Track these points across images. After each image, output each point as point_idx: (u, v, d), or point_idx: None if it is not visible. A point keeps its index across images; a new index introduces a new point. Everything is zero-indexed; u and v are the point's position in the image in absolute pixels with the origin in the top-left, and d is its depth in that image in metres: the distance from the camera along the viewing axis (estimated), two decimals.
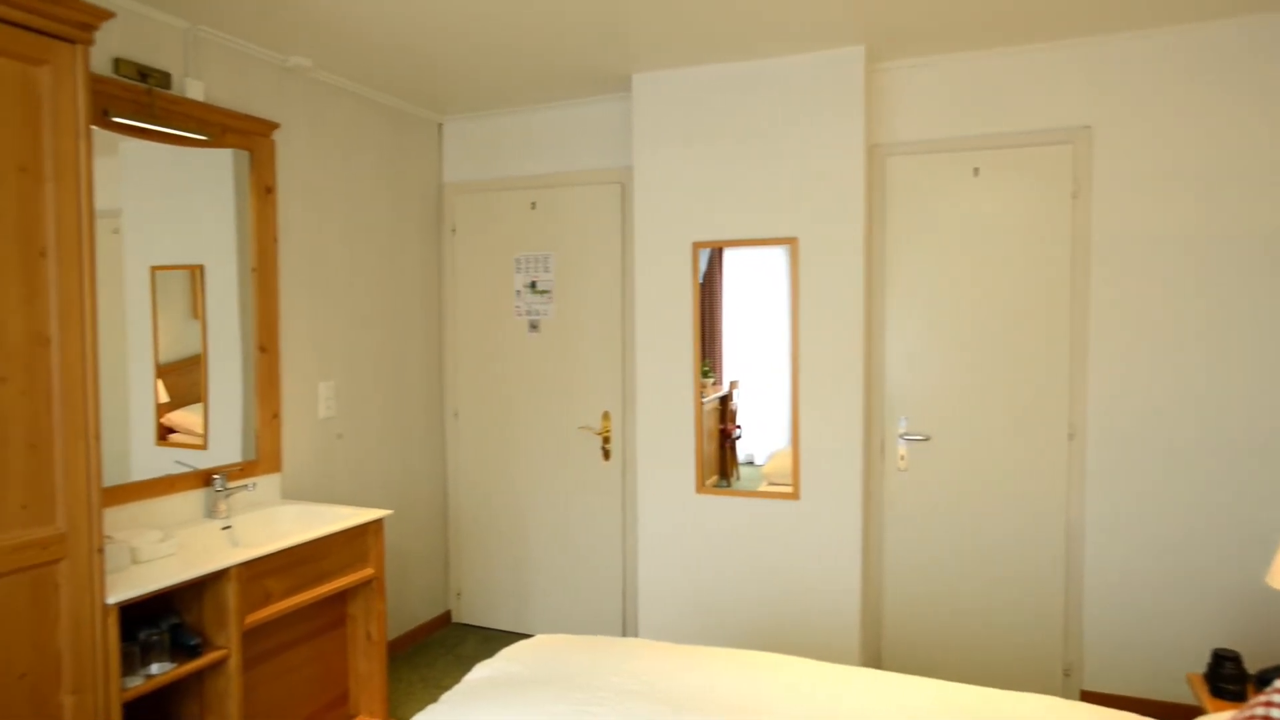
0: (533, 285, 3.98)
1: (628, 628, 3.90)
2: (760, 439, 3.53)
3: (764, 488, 3.42)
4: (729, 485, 3.51)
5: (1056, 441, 3.17)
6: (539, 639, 2.20)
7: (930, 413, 3.32)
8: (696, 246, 3.39)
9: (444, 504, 4.24)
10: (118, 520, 2.55)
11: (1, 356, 1.84)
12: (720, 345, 3.50)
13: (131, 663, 2.22)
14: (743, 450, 3.59)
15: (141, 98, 2.65)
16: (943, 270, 3.28)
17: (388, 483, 3.83)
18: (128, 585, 2.14)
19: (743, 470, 3.58)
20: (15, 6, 1.83)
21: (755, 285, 3.41)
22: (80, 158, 1.98)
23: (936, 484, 3.32)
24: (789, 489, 3.32)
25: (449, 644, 4.01)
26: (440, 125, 4.16)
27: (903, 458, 3.36)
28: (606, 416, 3.86)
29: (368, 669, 3.06)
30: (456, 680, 3.57)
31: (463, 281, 4.15)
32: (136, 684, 2.18)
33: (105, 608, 2.05)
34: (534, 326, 3.99)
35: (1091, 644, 3.15)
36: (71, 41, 1.96)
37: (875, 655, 3.42)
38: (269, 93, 3.17)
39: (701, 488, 3.44)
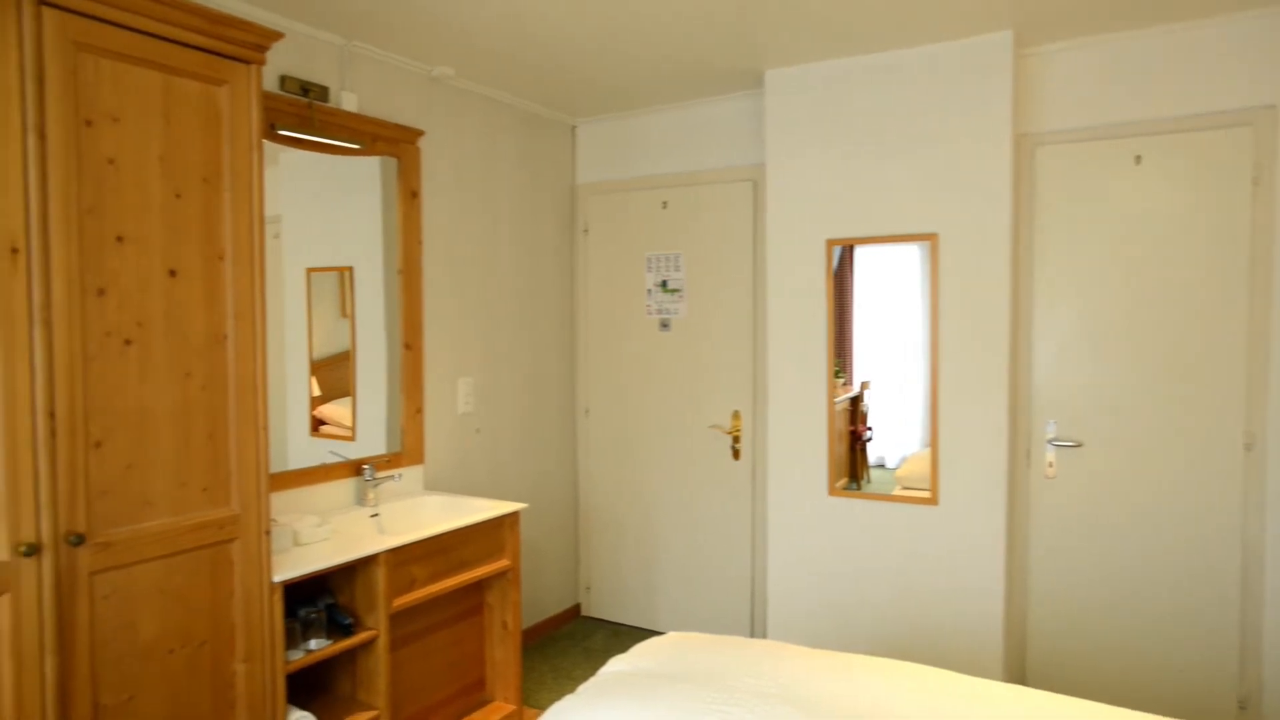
0: (664, 284, 4.00)
1: (755, 628, 3.87)
2: (891, 441, 3.42)
3: (898, 492, 3.31)
4: (859, 488, 3.41)
5: (1231, 452, 2.91)
6: (672, 636, 2.21)
7: (1082, 418, 3.12)
8: (830, 244, 3.32)
9: (575, 499, 4.33)
10: (279, 505, 2.74)
11: (188, 353, 2.01)
12: (851, 345, 3.41)
13: (293, 637, 2.38)
14: (873, 452, 3.49)
15: (303, 111, 2.83)
16: (1098, 265, 3.07)
17: (521, 477, 3.94)
18: (291, 565, 2.29)
19: (873, 473, 3.48)
20: (200, 32, 1.99)
21: (887, 283, 3.31)
22: (253, 169, 2.14)
23: (1089, 494, 3.12)
24: (926, 494, 3.20)
25: (578, 637, 4.09)
26: (574, 127, 4.25)
27: (1051, 465, 3.17)
28: (737, 416, 3.84)
29: (503, 656, 3.16)
30: (586, 672, 3.64)
31: (594, 281, 4.23)
32: (298, 657, 2.34)
33: (272, 585, 2.21)
34: (665, 325, 4.01)
35: (1273, 676, 2.87)
36: (247, 62, 2.11)
37: (1019, 671, 3.24)
38: (415, 102, 3.33)
39: (834, 490, 3.36)
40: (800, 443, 3.41)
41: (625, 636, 4.07)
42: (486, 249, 3.71)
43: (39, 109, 1.73)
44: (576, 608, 4.34)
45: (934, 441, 3.18)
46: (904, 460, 3.39)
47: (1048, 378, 3.17)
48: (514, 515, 3.05)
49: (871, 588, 3.30)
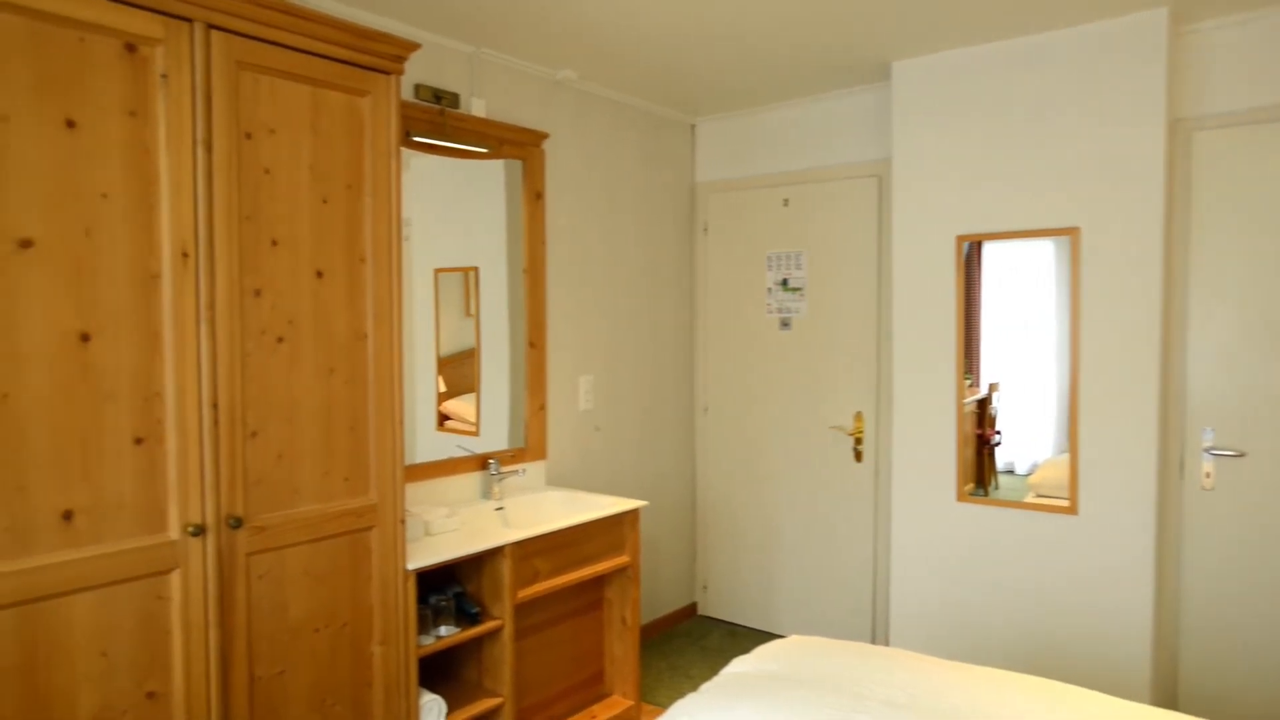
0: (784, 283, 3.95)
1: (877, 635, 3.77)
2: (1021, 446, 3.25)
3: (1032, 499, 3.14)
4: (986, 494, 3.26)
5: None
6: (795, 639, 2.17)
7: (1245, 425, 2.88)
8: (960, 240, 3.19)
9: (692, 497, 4.33)
10: (409, 496, 2.86)
11: (332, 350, 2.13)
12: (978, 345, 3.26)
13: (424, 623, 2.49)
14: (1001, 457, 3.32)
15: (435, 118, 2.95)
16: (1264, 258, 2.82)
17: (640, 474, 3.98)
18: (423, 554, 2.39)
19: (1001, 479, 3.31)
20: (346, 46, 2.11)
21: (1017, 280, 3.14)
22: (391, 175, 2.24)
23: (1254, 508, 2.87)
24: (1064, 502, 3.03)
25: (695, 635, 4.09)
26: (693, 126, 4.25)
27: (1208, 475, 2.94)
28: (859, 417, 3.75)
29: (621, 652, 3.19)
30: (703, 671, 3.64)
31: (714, 279, 4.21)
32: (428, 643, 2.44)
33: (406, 573, 2.31)
34: (785, 324, 3.96)
35: None
36: (387, 73, 2.22)
37: (1169, 695, 3.02)
38: (539, 105, 3.41)
39: (962, 495, 3.23)
40: (927, 446, 3.29)
41: (742, 637, 4.05)
42: (608, 248, 3.76)
43: (206, 124, 1.87)
44: (693, 606, 4.35)
45: (1073, 448, 3.00)
46: (1038, 466, 3.22)
47: (1204, 381, 2.94)
48: (634, 512, 3.08)
49: (1003, 599, 3.15)
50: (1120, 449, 2.91)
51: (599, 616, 3.22)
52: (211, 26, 1.87)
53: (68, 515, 1.70)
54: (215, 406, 1.90)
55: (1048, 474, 3.14)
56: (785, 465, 3.99)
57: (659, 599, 4.13)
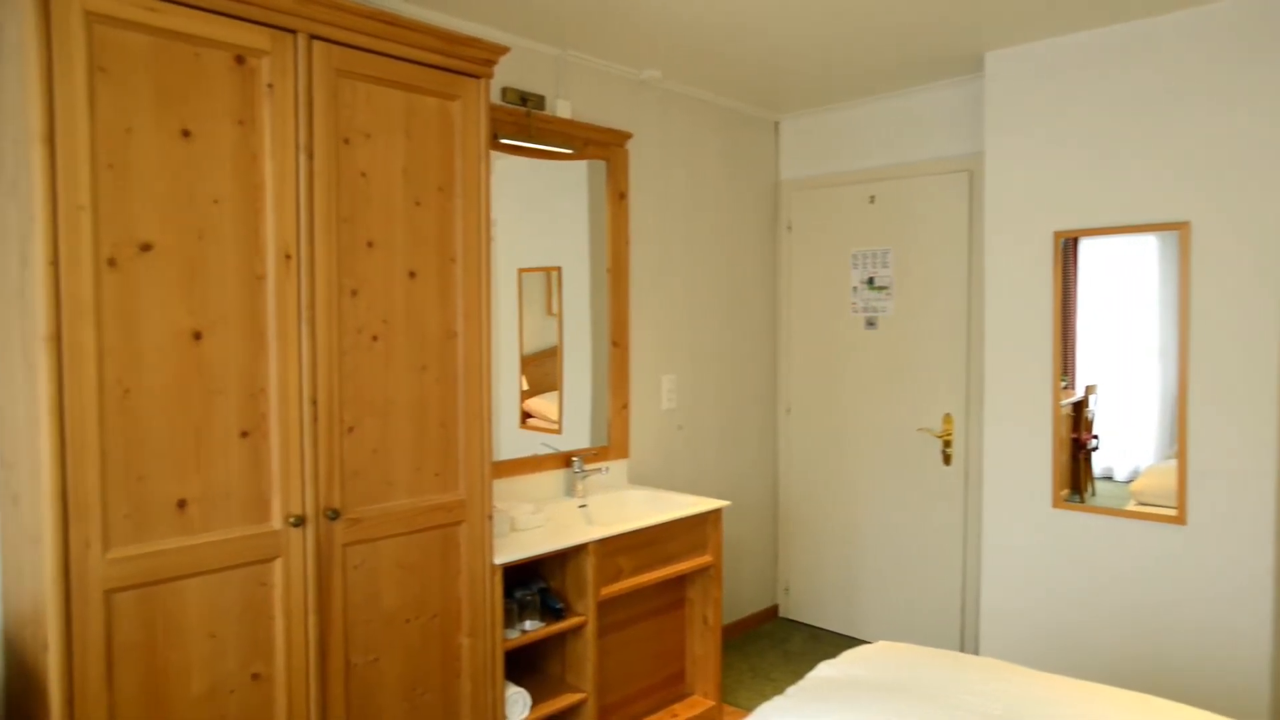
0: (870, 281, 3.87)
1: (966, 643, 3.65)
2: (1120, 451, 3.10)
3: (1134, 507, 3.00)
4: (1082, 500, 3.12)
5: None
6: (883, 645, 2.13)
7: None
8: (1058, 236, 3.06)
9: (774, 498, 4.29)
10: (495, 492, 2.91)
11: (424, 348, 2.19)
12: (1074, 345, 3.12)
13: (510, 617, 2.53)
14: (1098, 462, 3.18)
15: (521, 120, 3.00)
16: None
17: (722, 474, 3.96)
18: (509, 550, 2.44)
19: (1098, 485, 3.17)
20: (438, 52, 2.16)
21: (1116, 277, 3.00)
22: (481, 177, 2.29)
23: None
24: (1171, 512, 2.88)
25: (776, 637, 4.05)
26: (777, 124, 4.21)
27: None
28: (948, 419, 3.64)
29: (703, 652, 3.19)
30: (784, 673, 3.60)
31: (798, 278, 4.16)
32: (514, 636, 2.48)
33: (493, 567, 2.36)
34: (871, 323, 3.88)
35: None
36: (476, 77, 2.27)
37: None
38: (623, 105, 3.43)
39: (1058, 502, 3.10)
40: (1020, 449, 3.18)
41: (825, 641, 3.99)
42: (690, 248, 3.76)
43: (308, 130, 1.94)
44: (774, 608, 4.30)
45: (1181, 454, 2.85)
46: (1140, 472, 3.06)
47: None
48: (717, 512, 3.06)
49: (1101, 611, 3.01)
50: (1235, 456, 2.75)
51: (680, 616, 3.22)
52: (314, 37, 1.94)
53: (181, 504, 1.79)
54: (314, 402, 1.97)
55: (1152, 481, 2.99)
56: (870, 467, 3.91)
57: (740, 600, 4.10)
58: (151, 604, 1.76)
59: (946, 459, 3.65)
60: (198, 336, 1.80)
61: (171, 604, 1.78)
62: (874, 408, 3.89)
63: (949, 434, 3.64)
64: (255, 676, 1.91)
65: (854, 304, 3.94)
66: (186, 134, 1.77)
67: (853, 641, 3.98)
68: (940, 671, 1.90)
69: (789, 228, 4.18)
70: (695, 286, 3.79)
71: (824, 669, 2.01)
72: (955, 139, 3.59)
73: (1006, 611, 3.24)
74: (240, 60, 1.84)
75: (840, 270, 3.98)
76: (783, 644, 3.97)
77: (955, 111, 3.58)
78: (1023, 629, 3.20)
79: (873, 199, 3.85)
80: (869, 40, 3.07)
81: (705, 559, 3.04)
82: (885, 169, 3.81)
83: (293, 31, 1.91)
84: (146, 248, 1.73)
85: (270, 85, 1.88)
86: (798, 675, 3.58)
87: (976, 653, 3.51)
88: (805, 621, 4.22)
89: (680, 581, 3.19)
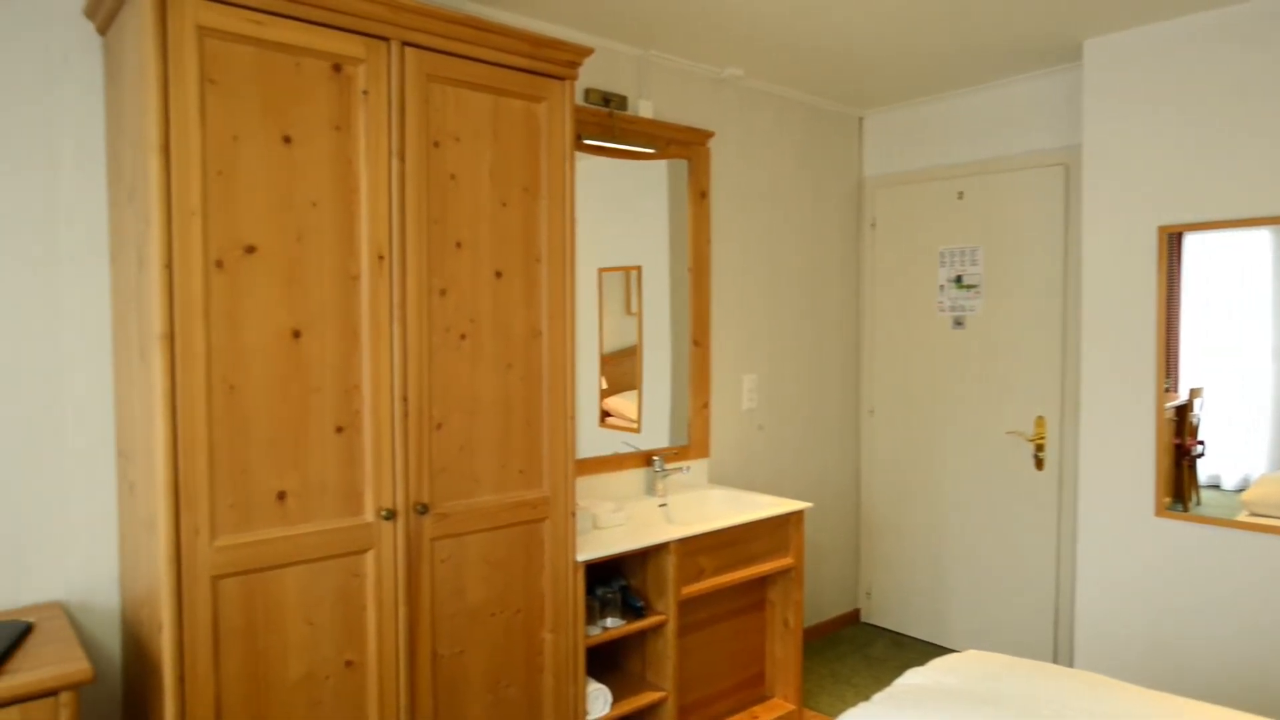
0: (958, 280, 3.76)
1: (1059, 655, 3.51)
2: (1228, 458, 2.92)
3: (1244, 518, 2.83)
4: (1185, 509, 2.96)
5: None
6: (974, 654, 2.07)
7: None
8: (1163, 231, 2.91)
9: (856, 501, 4.21)
10: (577, 490, 2.95)
11: (509, 347, 2.23)
12: (1177, 346, 2.96)
13: (591, 614, 2.55)
14: (1204, 470, 3.01)
15: (604, 120, 3.02)
16: None
17: (802, 475, 3.91)
18: (592, 547, 2.46)
19: (1204, 494, 3.00)
20: (525, 55, 2.20)
21: (1225, 275, 2.83)
22: (566, 178, 2.31)
23: None
24: None
25: (858, 642, 3.98)
26: (861, 119, 4.13)
27: None
28: (1040, 422, 3.51)
29: (783, 654, 3.15)
30: (866, 679, 3.53)
31: (882, 277, 4.08)
32: (595, 633, 2.50)
33: (576, 564, 2.38)
34: (958, 323, 3.77)
35: None
36: (562, 79, 2.29)
37: None
38: (704, 104, 3.41)
39: (1160, 510, 2.95)
40: (1120, 455, 3.03)
41: (908, 648, 3.89)
42: (771, 246, 3.72)
43: (400, 135, 2.00)
44: (855, 612, 4.23)
45: None
46: (1252, 481, 2.89)
47: None
48: (799, 514, 3.03)
49: (1207, 626, 2.86)
50: None
51: (761, 617, 3.19)
52: (406, 44, 2.00)
53: (281, 496, 1.87)
54: (405, 399, 2.03)
55: (1266, 490, 2.82)
56: (957, 471, 3.80)
57: (820, 603, 4.04)
58: (253, 590, 1.83)
59: (1038, 463, 3.52)
60: (297, 335, 1.87)
61: (272, 591, 1.86)
62: (961, 410, 3.77)
63: (1041, 437, 3.50)
64: (349, 664, 1.98)
65: (941, 303, 3.83)
66: (287, 140, 1.84)
67: (937, 649, 3.88)
68: (1035, 684, 1.83)
69: (873, 225, 4.10)
70: (776, 285, 3.75)
71: (912, 676, 1.96)
72: (1050, 131, 3.45)
73: (1103, 622, 3.10)
74: (337, 68, 1.91)
75: (927, 268, 3.88)
76: (864, 649, 3.90)
77: (1050, 103, 3.44)
78: (1121, 642, 3.06)
79: (961, 195, 3.74)
80: (959, 31, 2.98)
81: (787, 561, 3.01)
82: (975, 164, 3.70)
83: (386, 39, 1.97)
84: (250, 250, 1.80)
85: (365, 92, 1.94)
86: (881, 682, 3.51)
87: (1071, 663, 3.37)
88: (887, 627, 4.13)
89: (761, 583, 3.16)
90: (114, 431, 2.10)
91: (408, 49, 2.00)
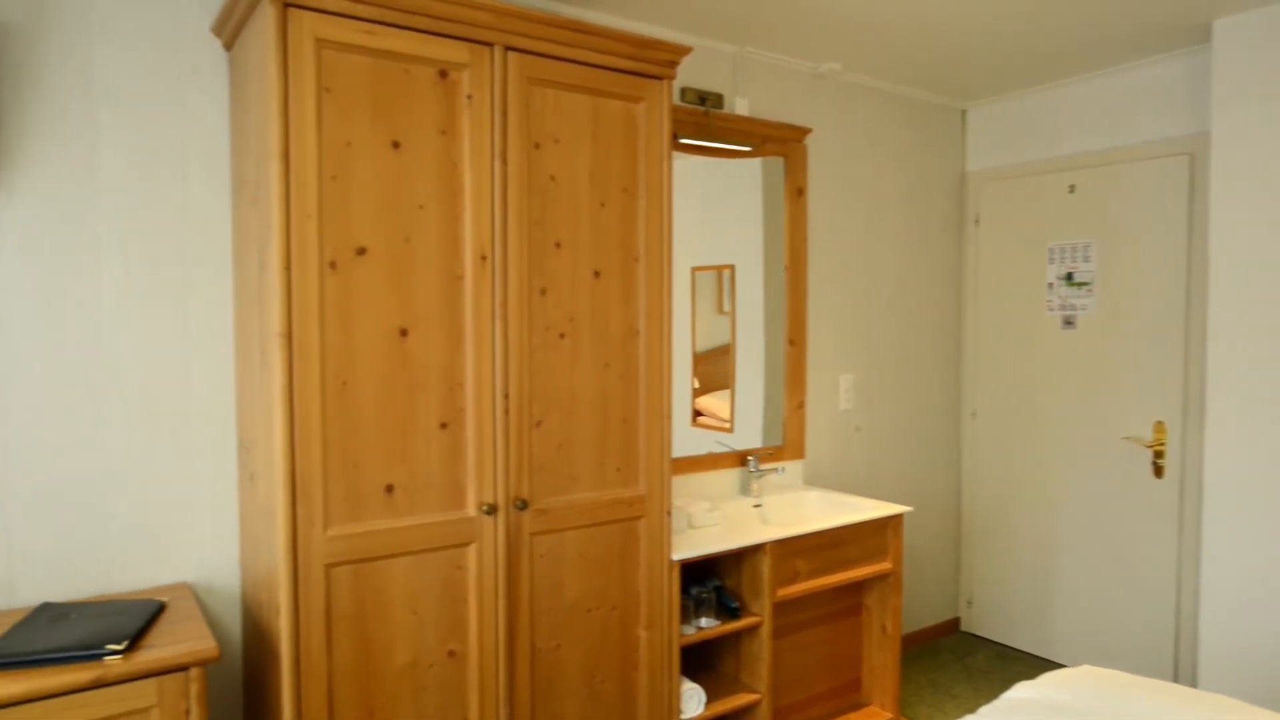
0: (1068, 277, 3.59)
1: (1180, 674, 3.31)
2: None
3: None
4: None
5: None
6: (1088, 670, 1.97)
7: None
8: None
9: (957, 506, 4.08)
10: (671, 489, 2.95)
11: (607, 346, 2.24)
12: None
13: (686, 613, 2.55)
14: None
15: (700, 119, 3.01)
16: None
17: (900, 478, 3.81)
18: (687, 546, 2.45)
19: None
20: (625, 56, 2.21)
21: None
22: (663, 177, 2.32)
23: None
24: None
25: (958, 652, 3.85)
26: (964, 112, 3.99)
27: None
28: (1160, 427, 3.31)
29: (880, 661, 3.08)
30: (966, 690, 3.42)
31: (985, 275, 3.93)
32: (690, 633, 2.50)
33: (671, 563, 2.38)
34: (1068, 323, 3.60)
35: None
36: (659, 79, 2.30)
37: None
38: (800, 100, 3.36)
39: None
40: (1253, 463, 2.84)
41: (1012, 660, 3.75)
42: (869, 244, 3.64)
43: (503, 137, 2.04)
44: (955, 621, 4.09)
45: None
46: None
47: None
48: (898, 518, 2.95)
49: None
50: None
51: (857, 622, 3.13)
52: (509, 49, 2.04)
53: (389, 489, 1.93)
54: (506, 396, 2.07)
55: None
56: (1067, 477, 3.63)
57: (918, 610, 3.93)
58: (363, 579, 1.91)
59: (1158, 470, 3.32)
60: (404, 333, 1.94)
61: (379, 580, 1.93)
62: (1072, 413, 3.60)
63: (1161, 443, 3.31)
64: (451, 654, 2.03)
65: (1050, 302, 3.67)
66: (396, 145, 1.91)
67: (1044, 662, 3.72)
68: (1156, 704, 1.73)
69: (976, 221, 3.96)
70: (875, 284, 3.67)
71: (1021, 690, 1.88)
72: (1173, 119, 3.26)
73: (1231, 641, 2.91)
74: (443, 74, 1.96)
75: (1034, 266, 3.72)
76: (964, 659, 3.77)
77: (1173, 88, 3.25)
78: (1252, 663, 2.86)
79: (1073, 188, 3.57)
80: (1073, 15, 2.84)
81: (885, 565, 2.94)
82: (1088, 155, 3.52)
83: (490, 44, 2.01)
84: (362, 251, 1.88)
85: (469, 96, 1.99)
86: (982, 694, 3.39)
87: (1194, 684, 3.18)
88: (990, 637, 3.98)
89: (858, 587, 3.10)
90: (235, 424, 2.22)
91: (510, 53, 2.04)
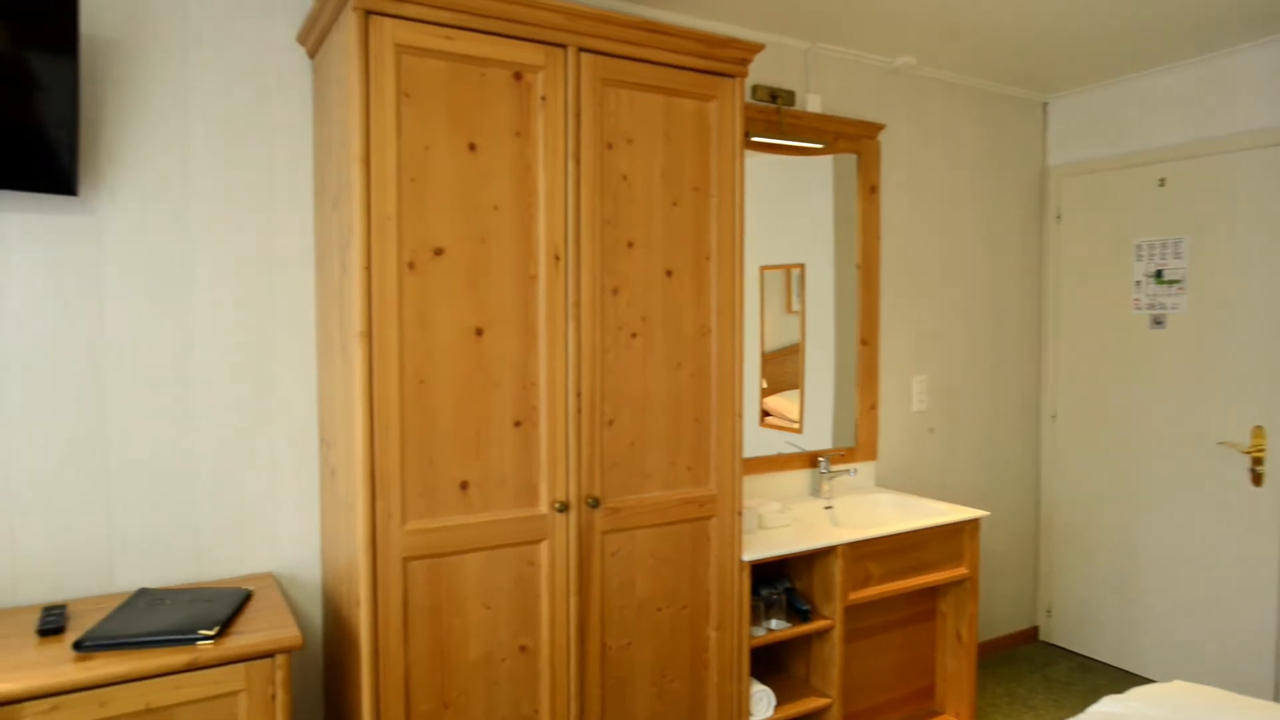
0: (1157, 274, 3.44)
1: None
2: None
3: None
4: None
5: None
6: (1181, 685, 1.88)
7: None
8: None
9: (1035, 511, 3.95)
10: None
11: (679, 345, 2.24)
12: None
13: (756, 615, 2.53)
14: None
15: (771, 117, 2.98)
16: None
17: (975, 481, 3.71)
18: (757, 547, 2.44)
19: None
20: (698, 55, 2.20)
21: None
22: (735, 176, 2.30)
23: None
24: None
25: (1036, 662, 3.73)
26: (1045, 104, 3.86)
27: None
28: (1259, 432, 3.15)
29: (955, 669, 3.00)
30: (1046, 702, 3.31)
31: (1067, 272, 3.80)
32: (760, 634, 2.48)
33: (741, 563, 2.37)
34: (1158, 322, 3.45)
35: None
36: (732, 76, 2.28)
37: None
38: (874, 96, 3.30)
39: None
40: None
41: (1095, 672, 3.61)
42: (944, 241, 3.55)
43: (575, 138, 2.06)
44: (1034, 630, 3.96)
45: None
46: None
47: None
48: (974, 522, 2.87)
49: None
50: None
51: (931, 628, 3.06)
52: (583, 50, 2.05)
53: (464, 485, 1.97)
54: (579, 395, 2.09)
55: None
56: (1154, 484, 3.48)
57: (994, 618, 3.82)
58: (438, 573, 1.94)
59: (1256, 478, 3.16)
60: (479, 333, 1.97)
61: (454, 575, 1.96)
62: (1161, 417, 3.45)
63: (1260, 449, 3.14)
64: (523, 648, 2.06)
65: (1137, 300, 3.52)
66: (472, 148, 1.94)
67: (1130, 676, 3.57)
68: None
69: (1058, 217, 3.82)
70: (950, 282, 3.58)
71: (1109, 704, 1.81)
72: (1273, 107, 3.09)
73: None
74: (518, 77, 1.98)
75: (1120, 263, 3.58)
76: (1044, 669, 3.65)
77: (1274, 75, 3.08)
78: None
79: (1162, 182, 3.42)
80: (1164, 0, 2.72)
81: (960, 570, 2.86)
82: (1180, 146, 3.37)
83: (564, 46, 2.03)
84: (439, 252, 1.91)
85: (543, 98, 2.01)
86: (1064, 706, 3.28)
87: None
88: (1070, 648, 3.84)
89: (931, 593, 3.03)
90: (317, 421, 2.29)
91: (584, 54, 2.06)
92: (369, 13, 1.80)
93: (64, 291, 1.99)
